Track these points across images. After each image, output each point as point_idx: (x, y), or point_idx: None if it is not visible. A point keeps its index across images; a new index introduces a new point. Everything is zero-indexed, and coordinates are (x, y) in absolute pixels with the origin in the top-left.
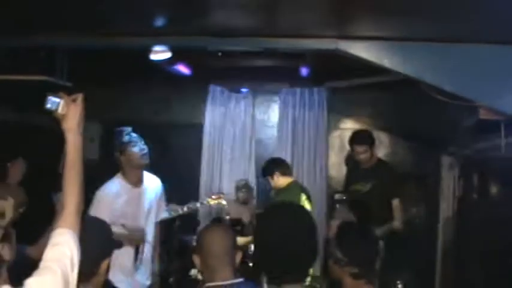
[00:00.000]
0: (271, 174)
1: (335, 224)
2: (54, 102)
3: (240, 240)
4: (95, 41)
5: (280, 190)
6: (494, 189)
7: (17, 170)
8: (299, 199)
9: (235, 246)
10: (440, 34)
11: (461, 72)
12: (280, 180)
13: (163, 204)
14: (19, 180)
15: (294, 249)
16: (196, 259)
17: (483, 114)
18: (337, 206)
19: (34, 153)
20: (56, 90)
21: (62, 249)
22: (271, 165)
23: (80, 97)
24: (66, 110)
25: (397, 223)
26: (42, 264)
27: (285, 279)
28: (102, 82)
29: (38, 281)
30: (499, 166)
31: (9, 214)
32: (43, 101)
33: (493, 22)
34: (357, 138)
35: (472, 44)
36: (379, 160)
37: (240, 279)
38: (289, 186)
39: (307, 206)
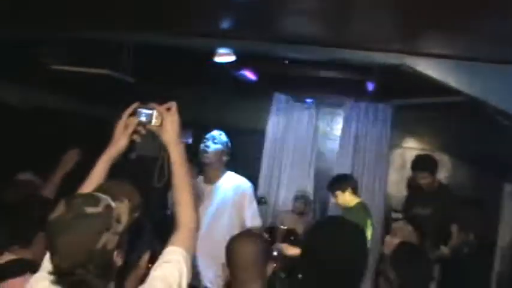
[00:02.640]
0: (343, 189)
1: (392, 240)
2: (147, 114)
3: (292, 250)
4: (161, 38)
5: (348, 209)
6: None
7: (69, 160)
8: (366, 223)
9: (267, 257)
10: (509, 56)
11: None
12: (348, 198)
13: (248, 208)
14: (69, 170)
15: (343, 266)
16: (224, 270)
17: None
18: (397, 222)
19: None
20: (118, 85)
21: (170, 269)
22: (344, 180)
23: (174, 106)
24: (161, 121)
25: (446, 250)
26: (148, 281)
27: None
28: (164, 81)
29: None
30: None
31: (125, 219)
32: (105, 93)
33: None
34: (419, 164)
35: None
36: (441, 184)
37: None
38: (357, 207)
39: (369, 231)
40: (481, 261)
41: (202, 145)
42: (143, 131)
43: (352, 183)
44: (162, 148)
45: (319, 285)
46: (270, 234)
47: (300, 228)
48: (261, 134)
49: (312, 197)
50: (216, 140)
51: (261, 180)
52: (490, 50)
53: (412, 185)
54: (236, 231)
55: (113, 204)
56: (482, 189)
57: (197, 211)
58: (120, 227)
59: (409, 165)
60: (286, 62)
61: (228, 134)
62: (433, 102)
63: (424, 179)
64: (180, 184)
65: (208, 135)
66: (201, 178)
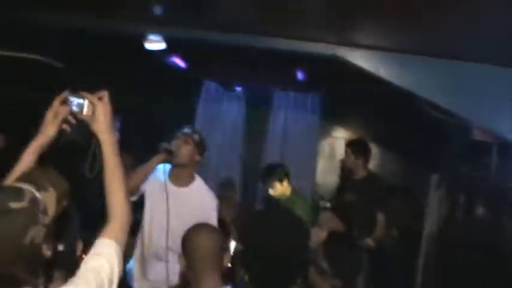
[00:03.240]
0: (281, 180)
1: (318, 232)
2: (78, 103)
3: None
4: (90, 23)
5: (289, 199)
6: (480, 211)
7: None
8: (309, 206)
9: (223, 248)
10: (441, 50)
11: (458, 91)
12: (285, 188)
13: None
14: None
15: (284, 254)
16: (181, 262)
17: (478, 135)
18: (323, 213)
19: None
20: (46, 70)
21: (101, 262)
22: (281, 171)
23: (106, 95)
24: (93, 110)
25: (370, 241)
26: (79, 272)
27: (270, 285)
28: (93, 67)
29: None
30: (487, 188)
31: (51, 209)
32: (33, 78)
33: (494, 43)
34: (350, 141)
35: (471, 63)
36: (370, 173)
37: (227, 286)
38: (296, 195)
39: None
40: (407, 249)
41: (172, 144)
42: (73, 120)
43: (287, 172)
44: (94, 138)
45: (264, 274)
46: None
47: (227, 217)
48: (189, 122)
49: (239, 185)
50: (189, 138)
51: None
52: (420, 43)
53: (343, 171)
54: None
55: (38, 195)
56: (410, 179)
57: (129, 203)
58: (47, 219)
59: (337, 154)
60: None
61: (157, 122)
62: (363, 92)
63: (346, 156)
64: (112, 175)
65: (178, 133)
66: (166, 172)
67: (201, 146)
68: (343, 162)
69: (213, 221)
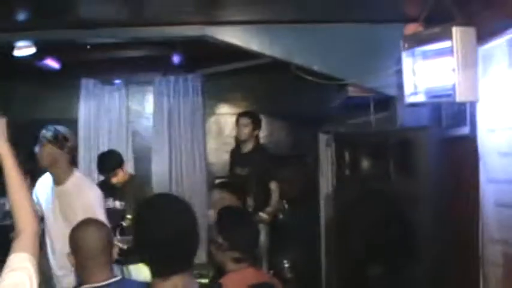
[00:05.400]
0: (121, 166)
1: (214, 213)
2: None
3: None
4: None
5: (129, 182)
6: (365, 164)
7: None
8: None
9: (111, 242)
10: (306, 16)
11: (328, 52)
12: (126, 173)
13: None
14: None
15: (178, 238)
16: (71, 259)
17: (352, 92)
18: (213, 194)
19: None
20: None
21: (19, 276)
22: (119, 157)
23: None
24: None
25: (264, 215)
26: None
27: (171, 270)
28: None
29: None
30: (370, 141)
31: None
32: None
33: (358, 1)
34: (244, 112)
35: (337, 24)
36: (258, 144)
37: (117, 278)
38: (134, 177)
39: None
40: (309, 211)
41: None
42: None
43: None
44: None
45: (159, 262)
46: None
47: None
48: (73, 122)
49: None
50: (43, 138)
51: (80, 167)
52: (286, 12)
53: (232, 148)
54: None
55: None
56: (300, 144)
57: (35, 213)
58: None
59: (225, 131)
60: (88, 47)
61: (39, 127)
62: (240, 67)
63: (244, 127)
64: (15, 187)
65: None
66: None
67: (56, 141)
68: (237, 135)
69: (99, 214)
